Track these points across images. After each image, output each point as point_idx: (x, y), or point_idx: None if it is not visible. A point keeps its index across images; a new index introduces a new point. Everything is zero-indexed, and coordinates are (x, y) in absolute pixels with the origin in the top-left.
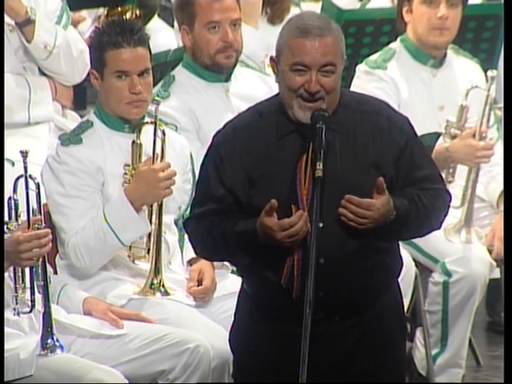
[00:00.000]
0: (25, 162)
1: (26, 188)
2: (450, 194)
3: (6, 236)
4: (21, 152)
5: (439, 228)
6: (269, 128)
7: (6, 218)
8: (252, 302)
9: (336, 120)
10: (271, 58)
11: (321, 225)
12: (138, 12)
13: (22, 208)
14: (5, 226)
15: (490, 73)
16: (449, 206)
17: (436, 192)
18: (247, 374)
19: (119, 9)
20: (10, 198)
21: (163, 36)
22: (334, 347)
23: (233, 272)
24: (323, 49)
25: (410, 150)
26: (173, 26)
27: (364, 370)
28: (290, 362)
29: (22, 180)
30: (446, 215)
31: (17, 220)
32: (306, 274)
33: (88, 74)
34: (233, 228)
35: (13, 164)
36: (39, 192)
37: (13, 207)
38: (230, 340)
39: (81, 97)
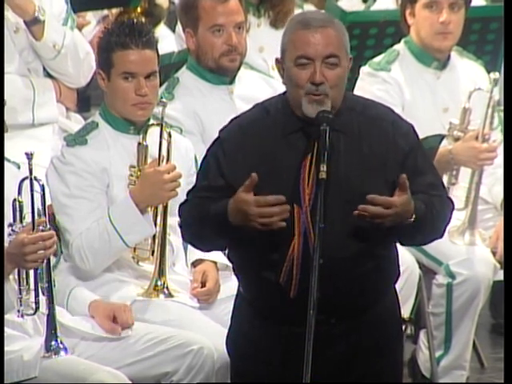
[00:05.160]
0: (30, 164)
1: (31, 190)
2: (453, 202)
3: (10, 238)
4: (26, 154)
5: (441, 237)
6: (274, 126)
7: (11, 220)
8: (249, 305)
9: (341, 122)
10: (276, 60)
11: (322, 225)
12: (143, 20)
13: (27, 210)
14: (10, 228)
15: (492, 75)
16: (452, 214)
17: (443, 199)
18: (246, 377)
19: (126, 15)
20: (14, 200)
21: (167, 43)
22: (331, 350)
23: None
24: (325, 40)
25: (414, 156)
26: (174, 30)
27: (361, 374)
28: (289, 363)
29: (27, 182)
30: (448, 223)
31: (21, 222)
32: (304, 274)
33: (92, 77)
34: (209, 208)
35: (18, 167)
36: (44, 194)
37: (17, 209)
38: (226, 345)
39: (85, 99)
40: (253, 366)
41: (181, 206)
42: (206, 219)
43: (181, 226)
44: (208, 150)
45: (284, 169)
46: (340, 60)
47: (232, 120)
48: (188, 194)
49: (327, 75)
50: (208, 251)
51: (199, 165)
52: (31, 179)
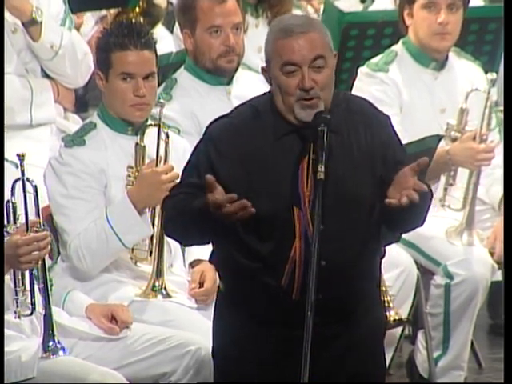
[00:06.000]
0: (21, 166)
1: (24, 191)
2: (431, 189)
3: (5, 239)
4: (17, 155)
5: (422, 225)
6: (266, 127)
7: (5, 222)
8: (240, 309)
9: (332, 121)
10: (262, 68)
11: (321, 226)
12: (141, 20)
13: (21, 211)
14: (3, 230)
15: (489, 75)
16: (431, 201)
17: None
18: (233, 378)
19: (124, 16)
20: (8, 201)
21: (165, 44)
22: (324, 352)
23: None
24: (309, 44)
25: (393, 147)
26: (172, 31)
27: (352, 375)
28: (285, 366)
29: (20, 183)
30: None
31: (15, 223)
32: (306, 276)
33: (90, 77)
34: (191, 204)
35: (16, 166)
36: (37, 195)
37: (11, 210)
38: (213, 351)
39: (82, 99)
40: (241, 368)
41: (165, 199)
42: (190, 213)
43: (164, 220)
44: (197, 147)
45: (280, 171)
46: (326, 61)
47: (221, 117)
48: (172, 190)
49: (316, 79)
50: (190, 245)
51: (187, 161)
52: (23, 180)
